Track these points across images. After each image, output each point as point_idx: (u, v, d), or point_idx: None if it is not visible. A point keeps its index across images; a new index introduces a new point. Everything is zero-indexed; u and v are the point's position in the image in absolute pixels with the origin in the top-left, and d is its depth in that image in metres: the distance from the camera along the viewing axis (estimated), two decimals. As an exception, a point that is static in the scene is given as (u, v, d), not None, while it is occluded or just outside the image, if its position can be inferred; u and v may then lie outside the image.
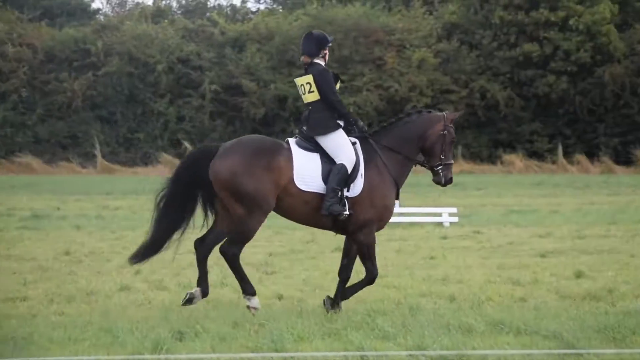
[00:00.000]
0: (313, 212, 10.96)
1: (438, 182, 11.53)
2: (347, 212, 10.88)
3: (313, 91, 11.11)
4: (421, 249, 17.49)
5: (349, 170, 10.93)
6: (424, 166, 11.51)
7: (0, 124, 53.19)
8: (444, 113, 11.60)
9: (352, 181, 10.97)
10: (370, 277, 11.21)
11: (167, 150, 52.88)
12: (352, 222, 10.99)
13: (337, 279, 11.32)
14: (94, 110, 54.61)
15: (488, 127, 54.75)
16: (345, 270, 11.30)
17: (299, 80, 11.28)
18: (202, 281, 10.99)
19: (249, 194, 10.68)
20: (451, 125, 11.52)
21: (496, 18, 54.98)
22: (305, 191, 10.88)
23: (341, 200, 10.87)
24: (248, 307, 10.94)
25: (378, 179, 11.11)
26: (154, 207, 11.10)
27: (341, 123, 11.13)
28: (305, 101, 11.24)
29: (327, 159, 10.98)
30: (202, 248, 10.98)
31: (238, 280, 11.02)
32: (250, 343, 9.28)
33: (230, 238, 10.90)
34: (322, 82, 11.07)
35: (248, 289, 10.97)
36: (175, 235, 11.09)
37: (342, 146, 11.00)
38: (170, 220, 11.05)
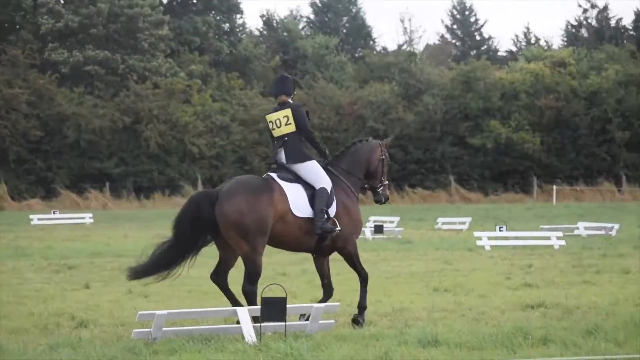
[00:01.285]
0: (303, 235, 12.18)
1: (378, 201, 13.14)
2: (338, 228, 12.23)
3: (290, 123, 12.38)
4: None
5: (329, 192, 12.26)
6: (365, 187, 13.09)
7: None
8: (378, 141, 13.27)
9: (331, 203, 12.31)
10: (364, 278, 12.59)
11: None
12: (339, 238, 12.32)
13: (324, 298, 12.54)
14: None
15: None
16: (328, 289, 12.67)
17: (273, 116, 12.51)
18: (236, 304, 11.95)
19: (253, 228, 11.66)
20: (386, 150, 13.21)
21: None
22: (300, 217, 12.08)
23: (329, 219, 12.19)
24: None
25: (347, 198, 12.58)
26: (158, 246, 11.96)
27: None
28: (279, 134, 12.46)
29: (307, 186, 12.27)
30: (220, 279, 12.11)
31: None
32: None
33: (246, 277, 11.85)
34: (300, 116, 12.41)
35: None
36: (176, 268, 12.03)
37: (317, 173, 12.39)
38: (172, 257, 11.96)
